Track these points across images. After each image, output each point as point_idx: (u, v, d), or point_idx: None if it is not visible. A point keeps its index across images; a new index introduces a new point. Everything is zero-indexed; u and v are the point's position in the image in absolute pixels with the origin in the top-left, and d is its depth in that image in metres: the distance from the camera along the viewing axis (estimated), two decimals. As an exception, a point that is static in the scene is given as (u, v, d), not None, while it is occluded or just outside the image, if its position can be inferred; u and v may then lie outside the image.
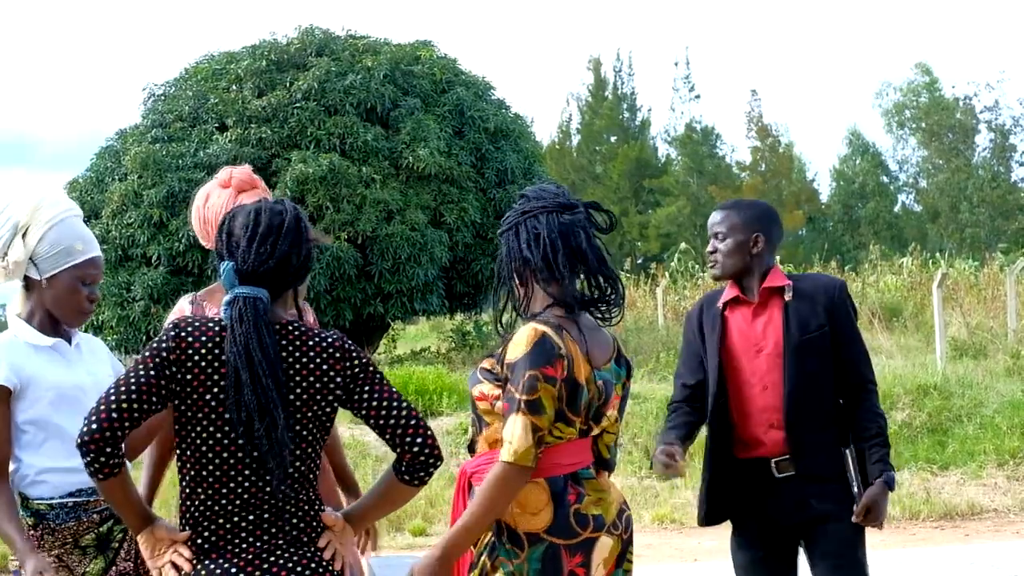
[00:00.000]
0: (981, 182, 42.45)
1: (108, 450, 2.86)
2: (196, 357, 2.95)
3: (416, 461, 3.02)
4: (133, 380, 2.90)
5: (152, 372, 2.92)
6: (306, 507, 3.06)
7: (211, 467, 2.98)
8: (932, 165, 45.66)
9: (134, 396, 2.89)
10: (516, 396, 3.23)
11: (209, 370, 2.94)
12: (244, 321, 2.93)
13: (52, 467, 3.65)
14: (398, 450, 3.03)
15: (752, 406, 4.28)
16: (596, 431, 3.40)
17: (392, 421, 3.03)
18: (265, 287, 3.01)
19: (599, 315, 3.46)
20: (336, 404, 3.04)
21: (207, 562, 2.99)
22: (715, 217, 4.43)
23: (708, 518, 4.46)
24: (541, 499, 3.32)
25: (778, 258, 4.36)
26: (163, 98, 21.12)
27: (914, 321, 18.80)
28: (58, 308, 3.77)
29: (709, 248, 4.44)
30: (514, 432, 3.21)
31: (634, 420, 12.99)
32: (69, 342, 3.83)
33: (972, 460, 11.38)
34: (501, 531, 3.32)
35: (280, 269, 3.04)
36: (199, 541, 3.00)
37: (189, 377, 2.94)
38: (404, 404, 3.05)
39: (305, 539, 3.04)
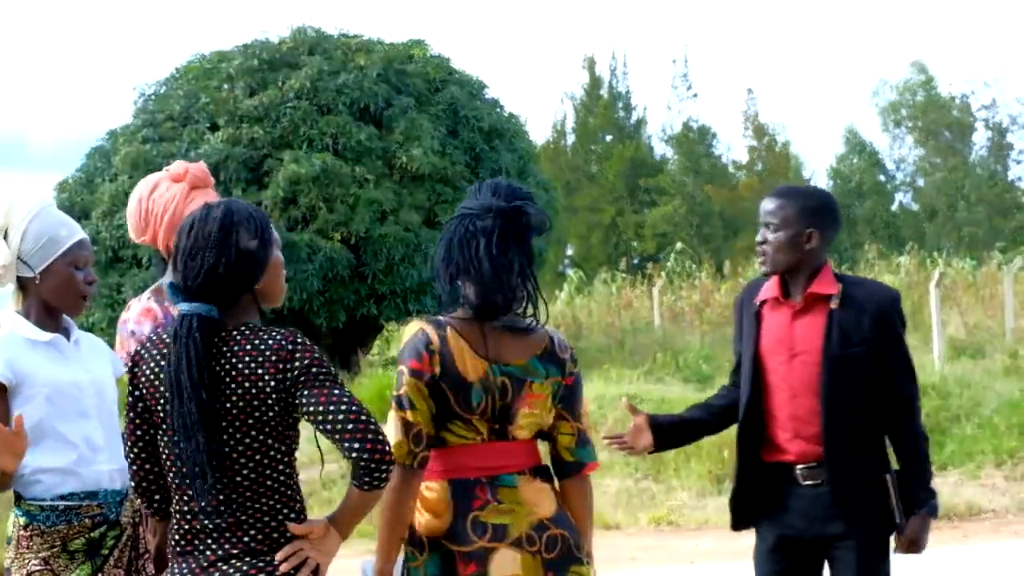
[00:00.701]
0: (978, 181, 42.48)
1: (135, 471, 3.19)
2: (148, 373, 3.09)
3: (360, 467, 2.95)
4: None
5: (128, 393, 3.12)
6: (266, 518, 3.02)
7: (171, 474, 3.06)
8: (929, 164, 45.67)
9: (127, 416, 3.13)
10: (393, 392, 3.27)
11: (156, 383, 3.06)
12: (177, 341, 2.98)
13: (46, 467, 3.59)
14: (344, 455, 2.97)
15: (780, 412, 4.10)
16: (521, 431, 3.31)
17: (333, 426, 2.95)
18: (209, 300, 3.02)
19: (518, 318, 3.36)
20: (282, 408, 2.99)
21: (175, 565, 3.05)
22: (767, 204, 4.13)
23: (737, 522, 4.30)
24: (442, 503, 3.28)
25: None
26: (154, 98, 21.02)
27: (912, 320, 18.59)
28: (58, 299, 3.71)
29: (758, 238, 4.15)
30: (388, 430, 3.19)
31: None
32: (68, 339, 3.75)
33: (970, 460, 11.32)
34: (410, 532, 3.31)
35: (210, 281, 3.02)
36: (172, 543, 3.08)
37: (144, 392, 3.10)
38: (348, 407, 2.95)
39: (263, 549, 3.00)
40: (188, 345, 2.97)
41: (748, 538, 4.32)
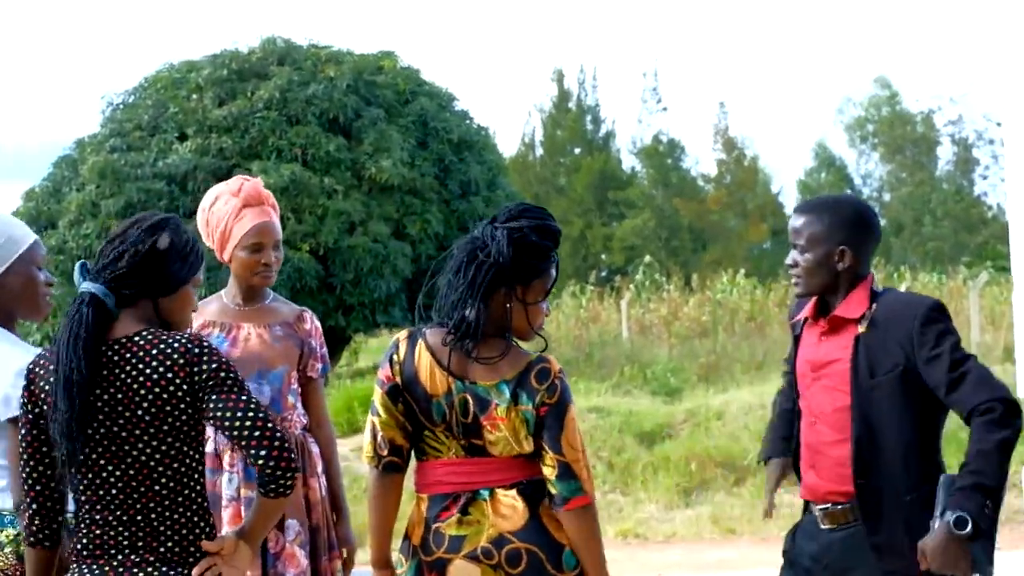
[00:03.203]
0: (944, 196, 42.78)
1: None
2: (45, 387, 3.06)
3: (264, 474, 2.96)
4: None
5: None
6: (183, 530, 3.01)
7: (74, 482, 3.12)
8: (896, 179, 45.98)
9: (23, 436, 3.13)
10: None
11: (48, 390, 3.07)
12: (67, 316, 3.00)
13: None
14: (249, 463, 3.00)
15: (803, 438, 3.79)
16: (494, 447, 3.32)
17: (239, 432, 2.95)
18: (109, 288, 3.04)
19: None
20: (192, 412, 2.99)
21: (83, 566, 3.01)
22: (795, 222, 3.77)
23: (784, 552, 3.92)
24: (417, 514, 3.39)
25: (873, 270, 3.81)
26: (122, 107, 20.93)
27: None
28: (20, 302, 3.54)
29: (789, 260, 3.79)
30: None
31: (597, 433, 12.97)
32: None
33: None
34: (404, 540, 3.42)
35: (112, 267, 3.07)
36: (79, 547, 3.04)
37: (42, 409, 3.06)
38: (253, 414, 2.96)
39: (177, 560, 2.99)
40: (74, 317, 2.98)
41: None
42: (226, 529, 4.06)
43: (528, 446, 3.33)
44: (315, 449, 4.39)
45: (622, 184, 45.53)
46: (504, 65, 73.65)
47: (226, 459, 4.21)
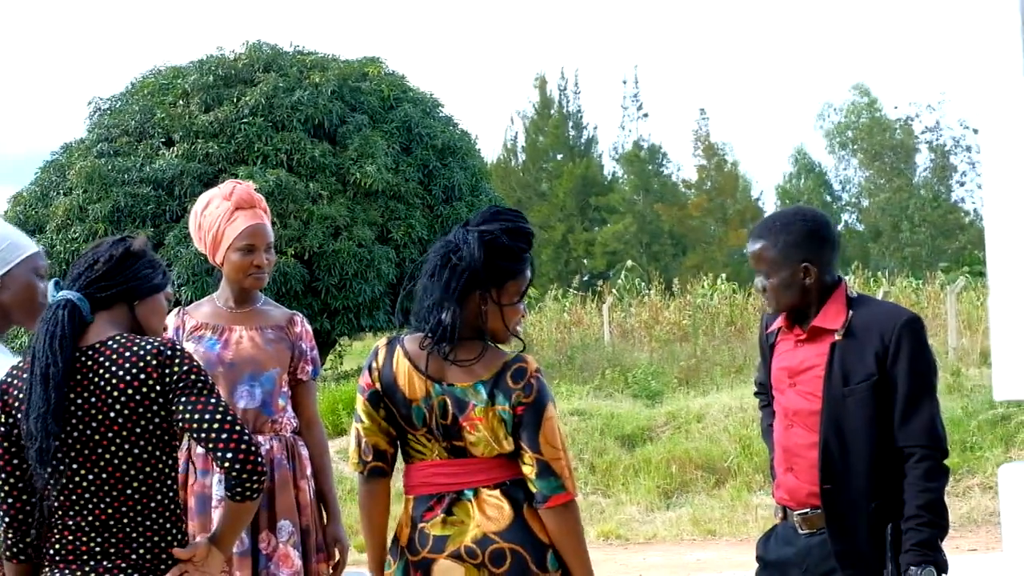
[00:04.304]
0: (922, 202, 42.91)
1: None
2: (19, 396, 3.03)
3: (231, 477, 2.97)
4: None
5: None
6: (155, 537, 3.02)
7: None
8: (874, 185, 46.13)
9: None
10: None
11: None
12: (42, 322, 3.01)
13: None
14: (217, 465, 2.99)
15: (779, 443, 3.81)
16: (475, 448, 3.35)
17: (207, 435, 2.96)
18: (84, 293, 3.07)
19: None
20: (165, 415, 2.99)
21: (56, 572, 3.01)
22: (752, 248, 3.76)
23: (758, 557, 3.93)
24: (405, 515, 3.43)
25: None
26: (109, 112, 20.98)
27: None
28: (19, 307, 3.50)
29: (757, 285, 3.81)
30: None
31: (579, 436, 13.07)
32: None
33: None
34: (393, 541, 3.48)
35: (87, 272, 3.09)
36: (51, 552, 3.02)
37: (16, 419, 3.02)
38: (222, 417, 2.97)
39: (148, 567, 3.00)
40: (50, 319, 2.99)
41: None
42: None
43: (508, 445, 3.33)
44: (304, 452, 4.40)
45: (604, 189, 45.62)
46: (486, 71, 73.70)
47: None
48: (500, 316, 3.39)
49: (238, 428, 2.97)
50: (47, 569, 3.03)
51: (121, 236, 3.18)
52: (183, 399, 2.97)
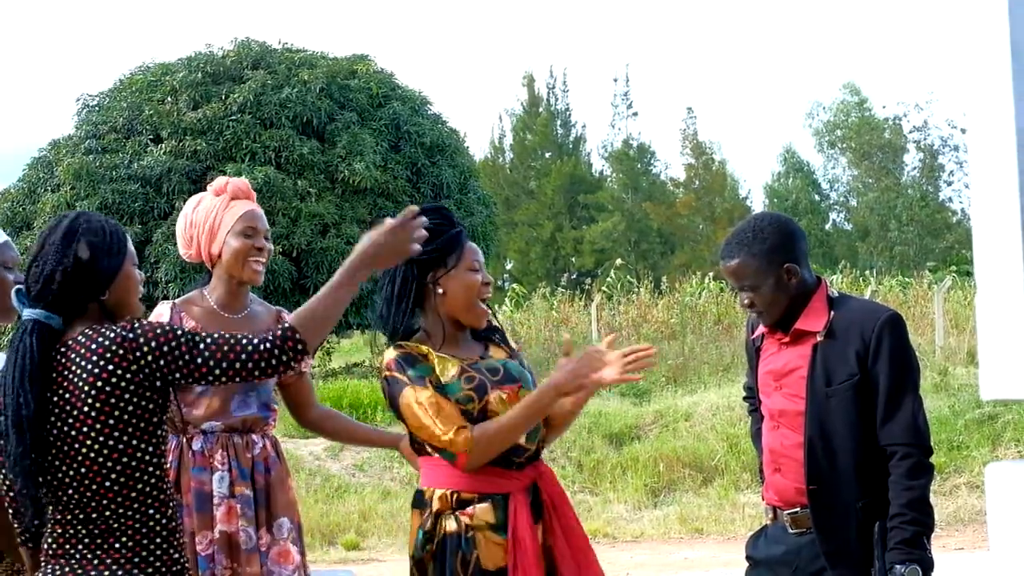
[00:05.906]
0: (910, 201, 42.97)
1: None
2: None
3: (284, 354, 2.97)
4: None
5: None
6: (140, 527, 3.00)
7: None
8: (862, 184, 46.19)
9: None
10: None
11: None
12: (11, 345, 2.95)
13: None
14: (264, 366, 2.95)
15: (764, 442, 3.85)
16: None
17: (231, 364, 2.94)
18: (51, 307, 3.00)
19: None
20: (140, 401, 2.94)
21: (49, 566, 3.01)
22: (729, 265, 3.77)
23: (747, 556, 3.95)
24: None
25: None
26: (97, 109, 20.95)
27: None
28: None
29: (744, 301, 3.80)
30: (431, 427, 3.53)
31: (567, 434, 13.08)
32: None
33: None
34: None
35: (47, 288, 3.01)
36: (45, 547, 3.03)
37: None
38: (228, 344, 2.94)
39: (133, 557, 2.98)
40: (19, 348, 2.93)
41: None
42: (220, 527, 4.08)
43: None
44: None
45: (592, 188, 45.66)
46: (475, 69, 73.69)
47: (217, 458, 4.14)
48: (458, 291, 3.59)
49: (244, 340, 2.95)
50: (43, 564, 3.03)
51: (63, 233, 3.02)
52: (180, 363, 2.92)
